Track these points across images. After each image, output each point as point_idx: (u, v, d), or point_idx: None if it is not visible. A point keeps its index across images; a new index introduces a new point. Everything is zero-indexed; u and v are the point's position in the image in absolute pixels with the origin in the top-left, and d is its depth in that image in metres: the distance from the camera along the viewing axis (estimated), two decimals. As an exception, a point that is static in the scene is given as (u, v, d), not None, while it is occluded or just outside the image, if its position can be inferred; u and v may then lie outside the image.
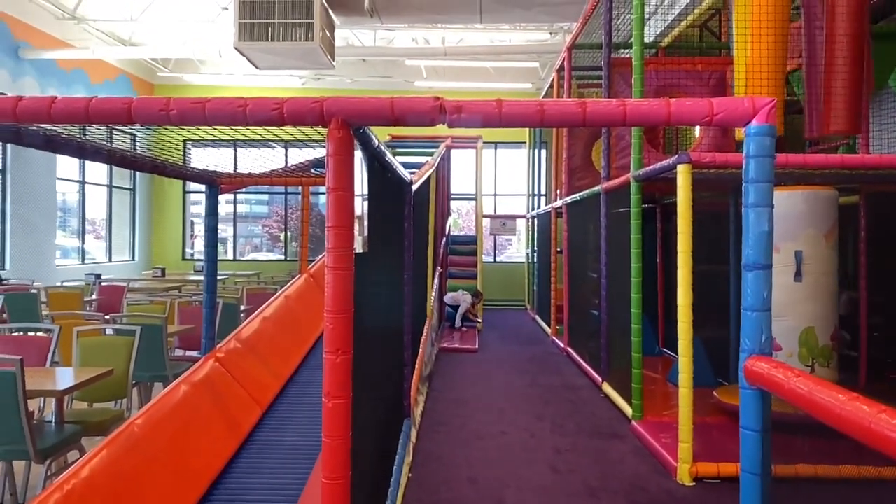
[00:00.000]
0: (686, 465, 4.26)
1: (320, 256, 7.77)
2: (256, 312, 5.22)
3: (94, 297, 8.56)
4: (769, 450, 1.99)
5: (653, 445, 4.84)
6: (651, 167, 4.90)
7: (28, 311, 7.10)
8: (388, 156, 3.21)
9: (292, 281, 6.27)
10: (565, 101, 1.98)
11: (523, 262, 14.83)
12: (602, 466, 4.62)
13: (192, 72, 14.08)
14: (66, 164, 12.06)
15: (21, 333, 5.06)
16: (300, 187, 8.56)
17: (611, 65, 6.51)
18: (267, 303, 5.57)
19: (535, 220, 12.93)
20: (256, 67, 8.24)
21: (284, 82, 14.10)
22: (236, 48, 7.50)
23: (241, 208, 16.92)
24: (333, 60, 8.14)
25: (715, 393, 5.52)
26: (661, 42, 9.09)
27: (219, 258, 16.38)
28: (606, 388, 6.50)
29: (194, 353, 6.59)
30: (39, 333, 5.15)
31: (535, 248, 13.07)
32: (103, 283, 9.24)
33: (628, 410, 5.62)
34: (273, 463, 3.72)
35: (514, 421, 5.74)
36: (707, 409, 5.62)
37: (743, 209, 2.07)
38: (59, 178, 11.76)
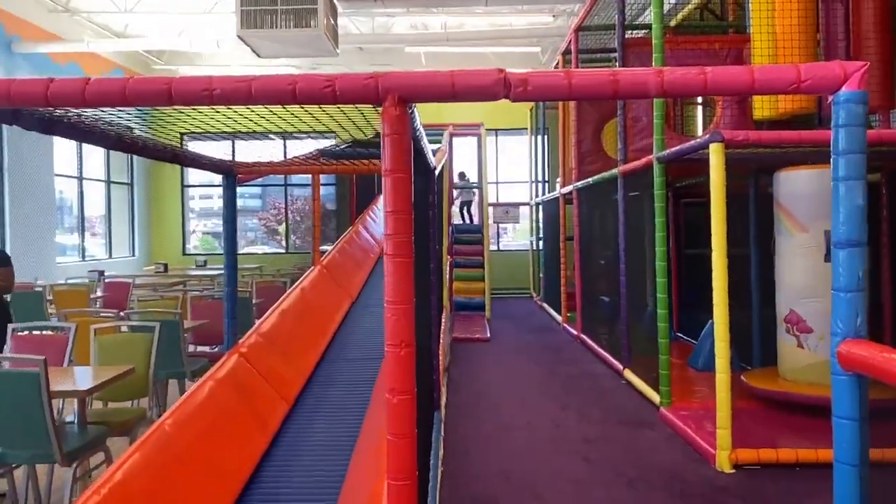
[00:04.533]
0: (725, 452, 4.16)
1: (334, 245, 7.63)
2: (274, 306, 5.09)
3: (99, 294, 8.40)
4: (867, 439, 1.87)
5: (686, 433, 4.74)
6: (678, 147, 4.76)
7: (34, 310, 6.95)
8: (424, 139, 3.08)
9: (306, 273, 6.14)
10: (640, 70, 1.84)
11: (527, 250, 14.71)
12: (635, 455, 4.52)
13: (186, 64, 13.85)
14: (63, 160, 11.85)
15: (31, 333, 4.91)
16: (310, 176, 8.41)
17: (625, 45, 6.37)
18: (283, 296, 5.43)
19: (540, 208, 12.80)
20: (259, 56, 8.06)
21: (279, 72, 13.87)
22: (239, 36, 7.32)
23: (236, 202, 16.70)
24: (337, 47, 7.96)
25: (743, 377, 5.41)
26: (667, 23, 8.94)
27: (214, 253, 16.21)
28: (628, 374, 6.40)
29: (207, 349, 6.48)
30: (47, 332, 5.00)
31: (541, 236, 12.94)
32: (108, 280, 9.07)
33: (655, 397, 5.52)
34: (305, 460, 3.60)
35: (539, 411, 5.63)
36: (735, 393, 5.52)
37: (832, 183, 1.95)
38: (56, 175, 11.55)
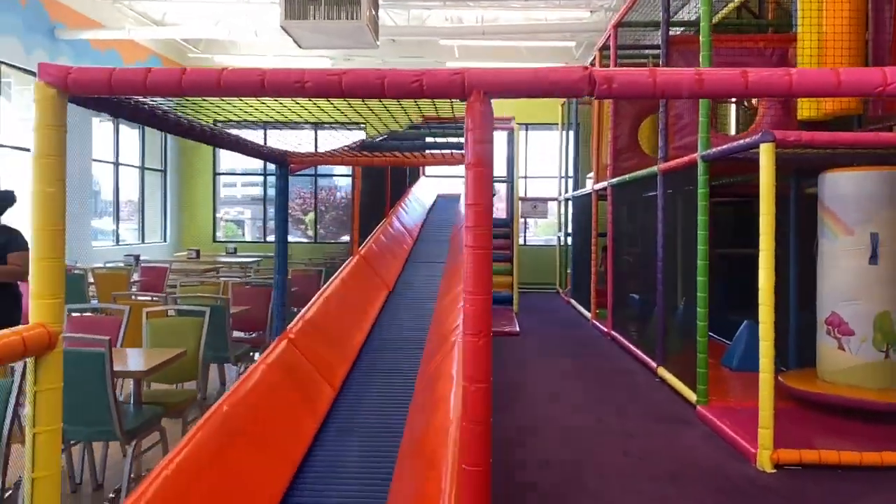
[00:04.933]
0: (767, 451, 4.17)
1: (370, 236, 7.69)
2: (318, 294, 5.17)
3: (136, 278, 8.55)
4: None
5: (724, 431, 4.75)
6: (726, 146, 4.76)
7: (76, 293, 7.10)
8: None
9: (346, 262, 6.22)
10: (726, 70, 1.86)
11: (552, 246, 14.70)
12: (676, 451, 4.54)
13: (222, 53, 13.99)
14: (99, 146, 12.03)
15: (82, 315, 5.04)
16: (350, 168, 8.47)
17: (669, 42, 6.35)
18: (325, 284, 5.51)
19: (569, 203, 12.78)
20: (300, 47, 8.11)
21: (314, 63, 13.96)
22: (282, 27, 7.38)
23: (256, 191, 16.77)
24: (377, 39, 8.01)
25: (780, 378, 5.39)
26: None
27: (239, 240, 16.31)
28: (663, 372, 6.40)
29: (243, 335, 6.58)
30: (87, 314, 5.13)
31: (569, 231, 12.93)
32: (144, 265, 9.23)
33: (690, 395, 5.53)
34: (354, 444, 3.67)
35: (575, 405, 5.66)
36: (771, 393, 5.53)
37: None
38: (94, 160, 11.75)
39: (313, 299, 5.05)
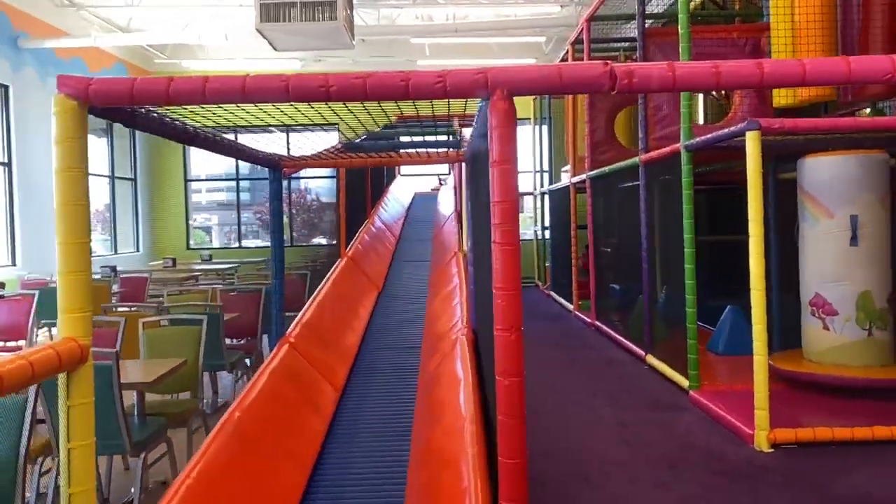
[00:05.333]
0: (764, 432, 4.27)
1: (355, 237, 7.68)
2: (312, 297, 5.16)
3: (115, 289, 8.42)
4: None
5: (719, 414, 4.85)
6: (710, 135, 4.86)
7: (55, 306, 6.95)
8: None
9: (336, 265, 6.21)
10: (742, 62, 1.92)
11: (530, 240, 14.81)
12: (673, 438, 4.63)
13: (190, 58, 13.81)
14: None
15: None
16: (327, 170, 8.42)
17: (645, 34, 6.45)
18: (318, 287, 5.50)
19: (546, 197, 12.89)
20: (275, 49, 8.07)
21: (284, 65, 13.85)
22: (258, 30, 7.33)
23: (221, 196, 16.58)
24: (353, 39, 7.99)
25: (769, 361, 5.53)
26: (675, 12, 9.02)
27: (208, 247, 16.10)
28: (651, 360, 6.51)
29: (232, 341, 6.52)
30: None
31: (546, 225, 13.04)
32: (123, 276, 9.09)
33: (682, 381, 5.64)
34: (364, 445, 3.68)
35: (568, 395, 5.73)
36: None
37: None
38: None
39: (308, 303, 5.04)
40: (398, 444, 3.66)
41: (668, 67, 1.92)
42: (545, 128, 13.15)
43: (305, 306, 4.94)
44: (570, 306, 10.34)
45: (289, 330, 4.36)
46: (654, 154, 6.18)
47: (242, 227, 16.38)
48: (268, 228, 16.36)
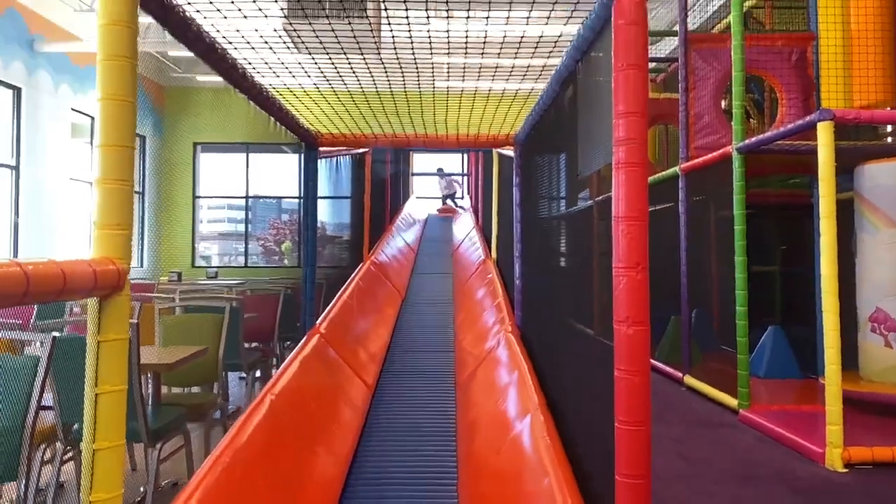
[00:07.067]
0: (837, 450, 3.89)
1: (375, 245, 7.34)
2: (338, 295, 4.81)
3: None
4: None
5: (778, 433, 4.47)
6: (770, 133, 4.57)
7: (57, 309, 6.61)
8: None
9: (359, 267, 5.87)
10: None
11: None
12: (733, 454, 4.24)
13: (205, 73, 13.65)
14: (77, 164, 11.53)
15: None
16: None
17: (687, 42, 6.22)
18: (344, 286, 5.15)
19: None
20: (298, 52, 7.85)
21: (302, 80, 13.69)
22: (284, 29, 7.11)
23: (223, 227, 16.37)
24: (380, 45, 7.78)
25: (822, 380, 5.16)
26: (712, 28, 8.86)
27: (223, 266, 15.58)
28: (690, 380, 6.12)
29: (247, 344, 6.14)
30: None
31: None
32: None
33: (728, 401, 5.26)
34: (404, 445, 3.29)
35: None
36: (808, 398, 5.29)
37: None
38: (71, 179, 11.23)
39: (334, 300, 4.69)
40: (438, 447, 3.27)
41: None
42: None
43: (332, 303, 4.58)
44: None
45: (318, 321, 3.99)
46: (698, 161, 5.88)
47: (241, 258, 16.10)
48: (270, 255, 16.12)
